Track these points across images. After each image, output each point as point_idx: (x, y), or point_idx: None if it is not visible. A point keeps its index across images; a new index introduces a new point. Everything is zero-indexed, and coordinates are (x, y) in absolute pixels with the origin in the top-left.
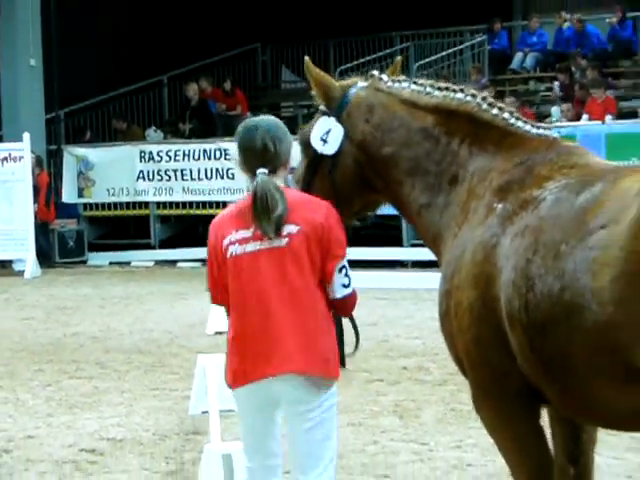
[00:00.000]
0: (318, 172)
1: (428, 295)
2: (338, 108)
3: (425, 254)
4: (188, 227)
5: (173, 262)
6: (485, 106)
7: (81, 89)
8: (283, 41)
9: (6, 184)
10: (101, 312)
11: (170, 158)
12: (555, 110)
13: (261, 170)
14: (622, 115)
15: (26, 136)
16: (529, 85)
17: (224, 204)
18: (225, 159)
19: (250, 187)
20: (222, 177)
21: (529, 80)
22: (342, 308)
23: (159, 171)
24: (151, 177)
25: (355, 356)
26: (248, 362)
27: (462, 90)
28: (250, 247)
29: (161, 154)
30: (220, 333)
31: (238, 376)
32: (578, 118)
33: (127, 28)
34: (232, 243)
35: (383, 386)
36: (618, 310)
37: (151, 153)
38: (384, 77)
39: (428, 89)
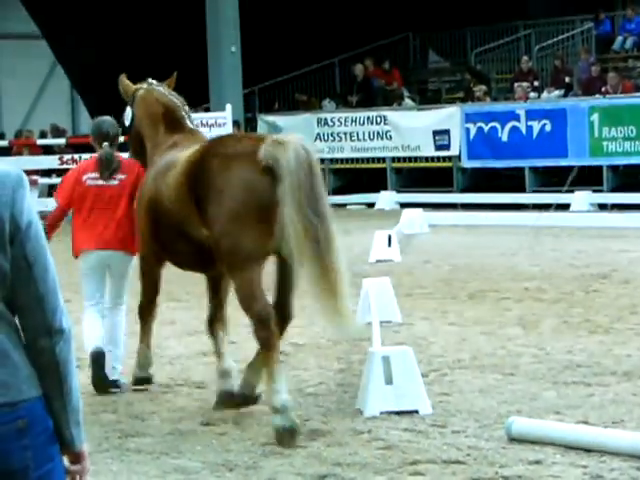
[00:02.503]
0: (129, 137)
1: (546, 231)
2: (131, 100)
3: (543, 198)
4: (355, 178)
5: (343, 205)
6: (183, 109)
7: (271, 69)
8: (429, 29)
9: None
10: None
11: (341, 123)
12: None
13: (105, 144)
14: None
15: (228, 107)
16: (628, 63)
17: (383, 159)
18: (384, 124)
19: (100, 152)
20: (382, 138)
21: (628, 59)
22: None
23: (332, 134)
24: (326, 138)
25: None
26: (91, 240)
27: (178, 98)
28: (98, 182)
29: (334, 120)
30: (380, 261)
31: (84, 247)
32: None
33: (306, 22)
34: (89, 178)
35: (509, 303)
36: (175, 205)
37: (326, 119)
38: (152, 82)
39: (167, 92)
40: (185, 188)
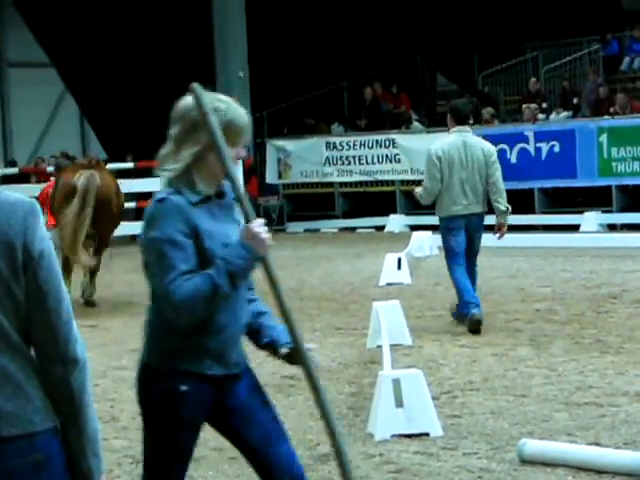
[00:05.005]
0: None
1: (557, 252)
2: None
3: (552, 219)
4: (364, 201)
5: (353, 229)
6: None
7: (279, 94)
8: (437, 53)
9: None
10: (297, 268)
11: (350, 147)
12: None
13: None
14: None
15: None
16: (636, 83)
17: (392, 182)
18: (393, 147)
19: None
20: (390, 161)
21: (636, 79)
22: None
23: (341, 157)
24: (335, 162)
25: None
26: None
27: None
28: None
29: (342, 144)
30: (390, 284)
31: None
32: None
33: (314, 46)
34: None
35: (520, 324)
36: None
37: (335, 143)
38: None
39: None
40: None
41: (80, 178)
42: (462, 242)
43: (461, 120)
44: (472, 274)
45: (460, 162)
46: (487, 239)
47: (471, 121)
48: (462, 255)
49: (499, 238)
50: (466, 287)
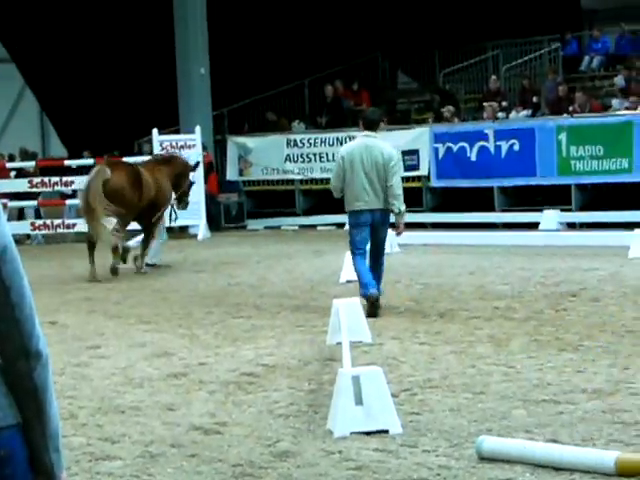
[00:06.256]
0: None
1: (516, 250)
2: None
3: (512, 218)
4: (325, 198)
5: (314, 226)
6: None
7: (240, 91)
8: (398, 51)
9: None
10: (258, 266)
11: (310, 144)
12: (615, 102)
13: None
14: None
15: (197, 129)
16: (595, 83)
17: None
18: None
19: None
20: None
21: (595, 79)
22: None
23: (302, 154)
24: (296, 159)
25: None
26: None
27: None
28: None
29: (303, 141)
30: (350, 282)
31: None
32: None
33: (275, 44)
34: None
35: (480, 322)
36: None
37: (295, 140)
38: None
39: None
40: None
41: (91, 172)
42: (365, 236)
43: (369, 126)
44: (377, 265)
45: (361, 162)
46: (449, 237)
47: (383, 126)
48: (364, 247)
49: (397, 235)
50: (363, 271)
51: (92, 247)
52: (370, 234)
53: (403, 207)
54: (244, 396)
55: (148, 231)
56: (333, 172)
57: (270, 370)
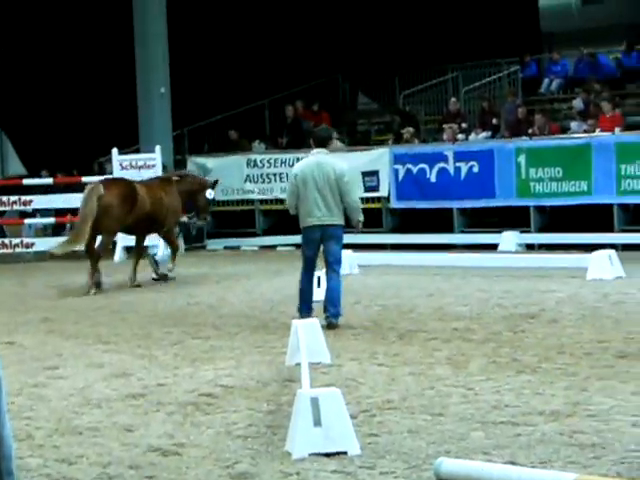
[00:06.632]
0: None
1: (475, 272)
2: None
3: (471, 239)
4: (285, 219)
5: (273, 246)
6: None
7: (201, 111)
8: (358, 72)
9: None
10: (217, 286)
11: (270, 165)
12: (574, 124)
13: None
14: (628, 127)
15: (157, 148)
16: (554, 105)
17: None
18: None
19: None
20: None
21: (554, 101)
22: None
23: (262, 175)
24: (256, 180)
25: None
26: None
27: None
28: None
29: (263, 161)
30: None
31: None
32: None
33: (236, 63)
34: None
35: (438, 343)
36: None
37: (256, 161)
38: None
39: None
40: None
41: (86, 190)
42: (316, 252)
43: (319, 144)
44: (331, 279)
45: (313, 179)
46: (408, 258)
47: (336, 142)
48: (314, 264)
49: (356, 232)
50: (304, 291)
51: (92, 257)
52: (323, 251)
53: (362, 217)
54: (202, 417)
55: (142, 246)
56: (287, 190)
57: (229, 391)
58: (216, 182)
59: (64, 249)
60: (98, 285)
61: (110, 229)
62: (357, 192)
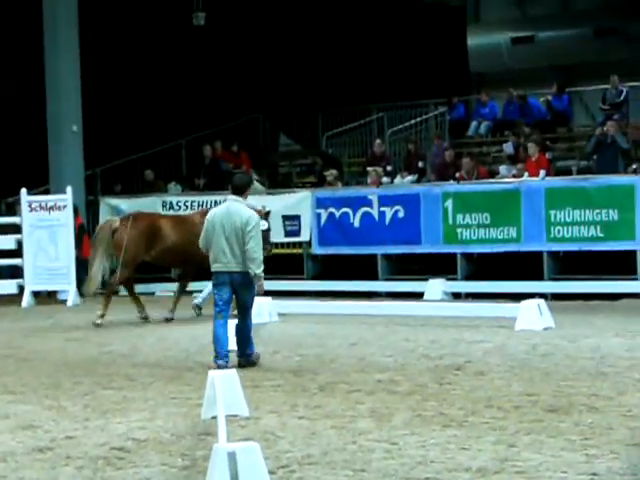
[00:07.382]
0: None
1: (400, 320)
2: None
3: (396, 286)
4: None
5: (190, 292)
6: None
7: (114, 150)
8: (279, 112)
9: (52, 228)
10: (129, 334)
11: (187, 207)
12: (503, 168)
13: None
14: (558, 172)
15: (69, 189)
16: (482, 148)
17: None
18: None
19: None
20: None
21: (483, 144)
22: None
23: None
24: None
25: None
26: None
27: None
28: None
29: (180, 204)
30: (230, 351)
31: None
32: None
33: (152, 101)
34: None
35: (361, 395)
36: None
37: (171, 203)
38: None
39: None
40: None
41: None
42: (225, 296)
43: (235, 190)
44: (239, 320)
45: (222, 226)
46: (330, 306)
47: (256, 184)
48: (225, 307)
49: (258, 293)
50: (218, 336)
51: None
52: (235, 296)
53: (259, 270)
54: (113, 472)
55: (188, 278)
56: (202, 233)
57: (141, 445)
58: (268, 213)
59: (89, 288)
60: (146, 318)
61: (125, 262)
62: (259, 244)
